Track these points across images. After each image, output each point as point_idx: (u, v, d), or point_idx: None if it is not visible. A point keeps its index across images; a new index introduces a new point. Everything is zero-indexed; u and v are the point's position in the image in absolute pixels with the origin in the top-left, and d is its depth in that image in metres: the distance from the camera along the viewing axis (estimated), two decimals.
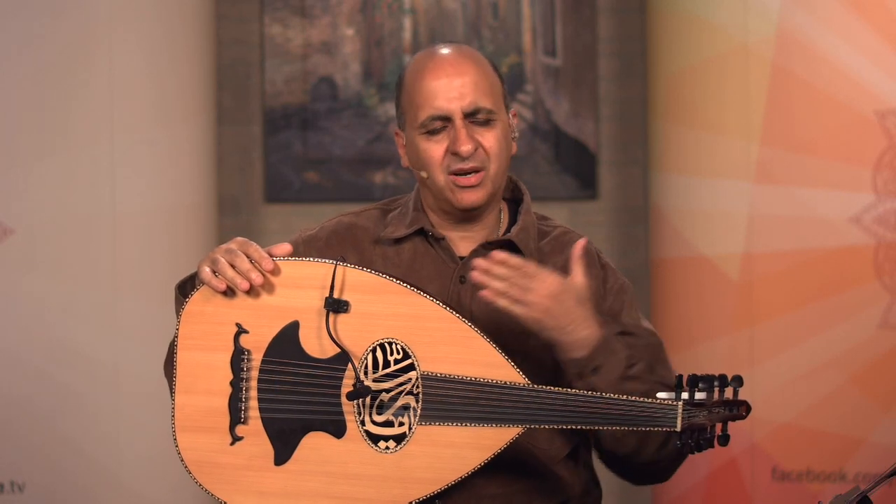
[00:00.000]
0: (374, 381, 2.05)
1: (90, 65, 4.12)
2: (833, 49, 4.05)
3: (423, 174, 2.23)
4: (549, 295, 2.07)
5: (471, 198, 2.20)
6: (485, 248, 2.25)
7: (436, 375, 2.04)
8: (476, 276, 2.07)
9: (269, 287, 2.07)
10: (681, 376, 2.03)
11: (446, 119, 2.19)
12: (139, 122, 4.19)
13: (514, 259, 2.07)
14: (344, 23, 5.03)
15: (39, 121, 4.10)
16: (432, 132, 2.20)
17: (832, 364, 4.09)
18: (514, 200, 2.35)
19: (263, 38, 5.03)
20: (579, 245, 2.13)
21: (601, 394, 2.03)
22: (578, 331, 2.09)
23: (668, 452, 2.20)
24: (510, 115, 2.27)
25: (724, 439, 2.03)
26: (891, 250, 4.06)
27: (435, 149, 2.20)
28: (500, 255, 2.07)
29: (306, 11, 5.02)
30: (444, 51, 2.24)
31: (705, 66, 4.25)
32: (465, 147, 2.18)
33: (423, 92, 2.20)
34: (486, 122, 2.21)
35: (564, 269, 2.26)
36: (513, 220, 2.31)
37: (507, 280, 2.07)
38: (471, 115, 2.19)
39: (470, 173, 2.19)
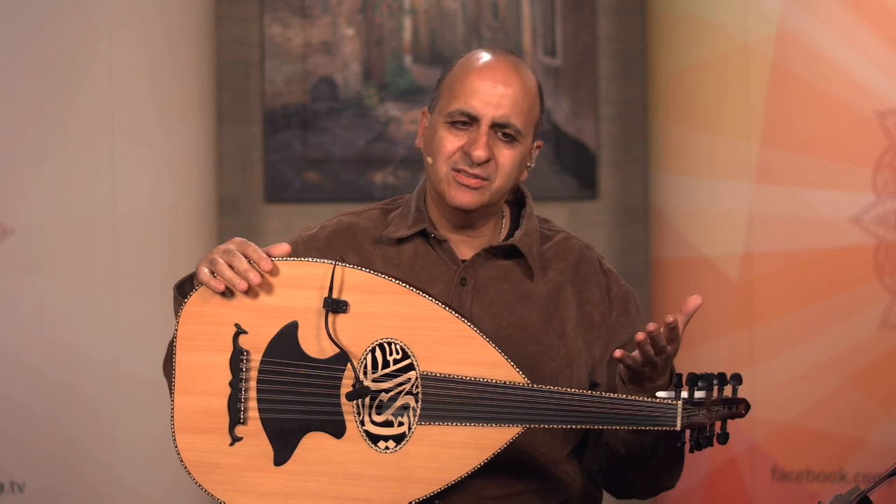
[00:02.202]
0: (374, 381, 2.05)
1: (90, 65, 4.12)
2: (833, 49, 4.05)
3: (429, 160, 2.23)
4: (673, 355, 2.09)
5: (464, 198, 2.20)
6: (488, 253, 2.26)
7: (435, 375, 2.04)
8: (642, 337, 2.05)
9: (267, 287, 2.07)
10: (680, 375, 2.03)
11: (474, 119, 2.19)
12: (139, 122, 4.19)
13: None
14: (344, 23, 5.03)
15: (39, 121, 4.10)
16: (456, 125, 2.20)
17: (832, 364, 4.09)
18: (516, 203, 2.35)
19: (263, 38, 5.03)
20: (694, 303, 2.10)
21: (601, 393, 2.03)
22: (660, 380, 2.11)
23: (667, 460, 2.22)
24: (535, 146, 2.27)
25: (724, 437, 2.04)
26: (891, 250, 4.06)
27: (451, 141, 2.20)
28: (696, 302, 2.07)
29: (306, 11, 5.02)
30: (502, 57, 2.24)
31: (705, 66, 4.25)
32: (479, 153, 2.18)
33: (465, 84, 2.20)
34: (510, 140, 2.20)
35: (568, 275, 2.26)
36: (515, 224, 2.31)
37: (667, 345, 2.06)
38: (498, 127, 2.19)
39: (473, 178, 2.19)
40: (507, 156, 2.20)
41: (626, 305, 2.28)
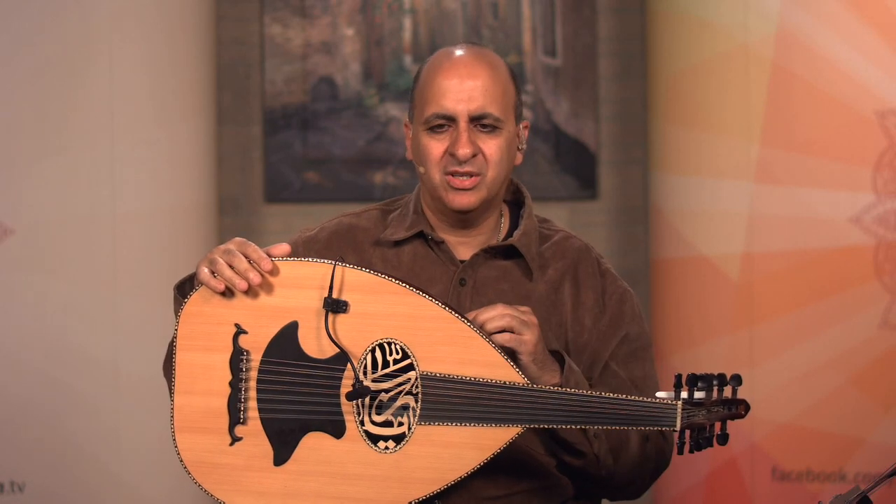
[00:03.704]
0: (374, 381, 2.05)
1: (90, 65, 4.13)
2: (833, 49, 4.05)
3: (421, 169, 2.23)
4: (537, 336, 2.08)
5: (462, 200, 2.20)
6: (486, 253, 2.26)
7: (435, 375, 2.04)
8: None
9: (267, 287, 2.07)
10: (679, 375, 2.03)
11: (451, 119, 2.19)
12: (139, 122, 4.19)
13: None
14: (344, 23, 5.03)
15: (39, 121, 4.10)
16: (435, 129, 2.20)
17: (832, 364, 4.09)
18: (515, 203, 2.34)
19: (263, 38, 5.03)
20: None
21: (600, 393, 2.03)
22: (546, 378, 2.10)
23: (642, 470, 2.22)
24: (521, 127, 2.27)
25: (724, 438, 2.03)
26: (891, 250, 4.06)
27: (435, 146, 2.20)
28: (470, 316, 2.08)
29: (306, 11, 5.02)
30: (463, 51, 2.24)
31: (705, 66, 4.25)
32: (464, 150, 2.18)
33: (433, 88, 2.20)
34: (491, 129, 2.20)
35: (566, 274, 2.26)
36: (514, 224, 2.30)
37: (506, 315, 2.06)
38: (476, 120, 2.19)
39: (465, 177, 2.19)
40: (492, 146, 2.20)
41: (620, 307, 2.27)
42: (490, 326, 2.05)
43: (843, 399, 4.08)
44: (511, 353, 2.06)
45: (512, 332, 2.06)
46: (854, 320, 4.08)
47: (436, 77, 2.21)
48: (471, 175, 2.19)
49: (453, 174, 2.19)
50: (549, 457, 2.20)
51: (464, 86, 2.19)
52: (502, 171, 2.22)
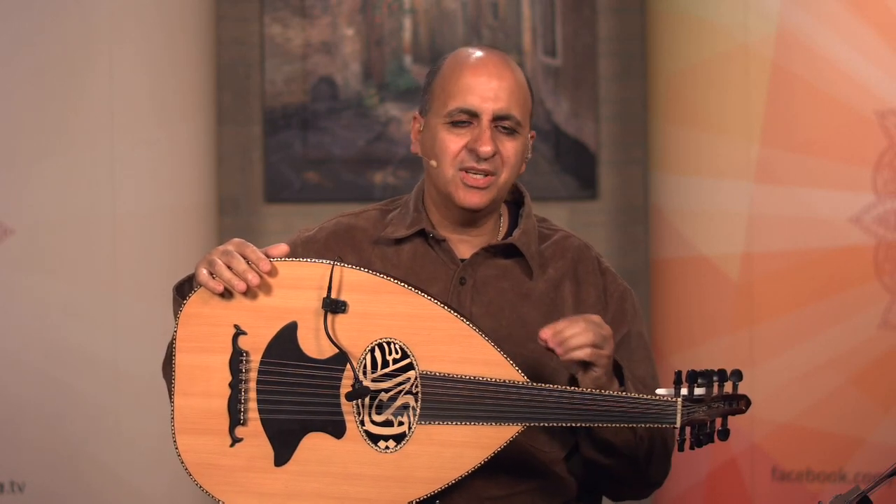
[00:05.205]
0: (373, 381, 2.05)
1: (90, 65, 4.13)
2: (833, 49, 4.05)
3: (433, 163, 2.22)
4: (612, 348, 2.08)
5: (474, 199, 2.20)
6: (487, 252, 2.26)
7: (435, 375, 2.04)
8: (547, 336, 2.05)
9: (266, 288, 2.07)
10: (679, 372, 2.03)
11: (474, 115, 2.19)
12: (139, 122, 4.19)
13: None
14: (344, 23, 5.03)
15: (39, 121, 4.10)
16: (456, 124, 2.20)
17: (832, 364, 4.09)
18: (514, 203, 2.35)
19: (263, 38, 5.03)
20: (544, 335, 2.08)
21: (600, 391, 2.03)
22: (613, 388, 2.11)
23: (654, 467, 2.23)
24: (529, 136, 2.28)
25: (724, 434, 2.04)
26: (891, 250, 4.06)
27: (454, 141, 2.20)
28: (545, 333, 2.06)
29: (306, 11, 5.02)
30: (489, 52, 2.25)
31: (705, 66, 4.25)
32: (486, 148, 2.18)
33: (459, 83, 2.20)
34: (511, 132, 2.21)
35: (566, 273, 2.27)
36: (513, 223, 2.31)
37: (585, 333, 2.05)
38: (499, 120, 2.20)
39: (480, 174, 2.19)
40: (510, 148, 2.21)
41: (622, 305, 2.28)
42: (575, 342, 2.04)
43: (843, 399, 4.08)
44: (584, 365, 2.06)
45: (593, 346, 2.05)
46: (854, 320, 4.08)
47: (462, 72, 2.21)
48: (486, 174, 2.19)
49: (468, 170, 2.19)
50: (593, 451, 2.20)
51: (491, 84, 2.19)
52: (514, 175, 2.23)
